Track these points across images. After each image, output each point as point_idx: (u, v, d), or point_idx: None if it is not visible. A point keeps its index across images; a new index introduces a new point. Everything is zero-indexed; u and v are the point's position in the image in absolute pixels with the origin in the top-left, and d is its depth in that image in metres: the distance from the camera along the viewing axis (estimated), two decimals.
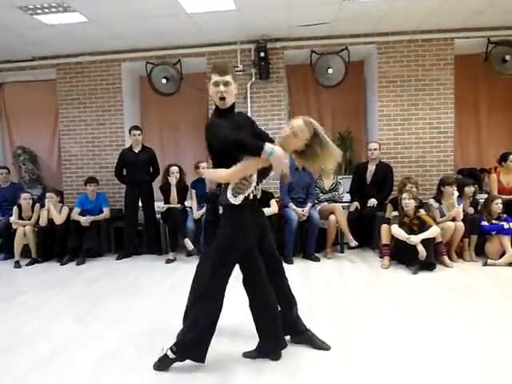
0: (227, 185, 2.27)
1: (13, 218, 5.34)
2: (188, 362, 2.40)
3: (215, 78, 2.42)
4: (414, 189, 4.76)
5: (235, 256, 2.33)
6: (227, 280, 2.34)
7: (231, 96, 2.44)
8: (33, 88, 6.78)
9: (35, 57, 6.25)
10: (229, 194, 2.25)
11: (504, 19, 5.30)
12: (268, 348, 2.45)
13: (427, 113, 5.79)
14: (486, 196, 5.17)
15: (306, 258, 4.98)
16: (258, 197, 2.35)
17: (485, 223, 4.67)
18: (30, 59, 6.27)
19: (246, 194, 2.25)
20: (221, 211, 2.32)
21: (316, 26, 5.31)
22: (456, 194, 4.63)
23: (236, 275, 2.40)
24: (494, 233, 4.60)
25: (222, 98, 2.41)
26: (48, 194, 5.32)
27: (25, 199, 5.39)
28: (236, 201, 2.24)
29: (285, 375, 2.30)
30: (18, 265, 5.10)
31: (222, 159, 2.31)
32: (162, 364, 2.37)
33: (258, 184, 2.30)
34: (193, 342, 2.33)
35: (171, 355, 2.35)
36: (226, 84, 2.41)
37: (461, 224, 4.57)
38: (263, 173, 2.30)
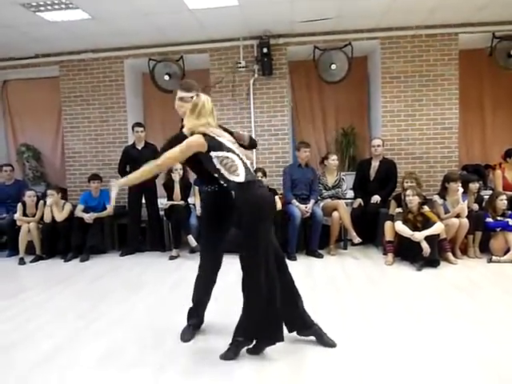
0: (224, 176, 2.36)
1: (17, 215, 5.36)
2: (191, 357, 2.40)
3: (180, 93, 2.64)
4: (411, 183, 4.73)
5: (265, 229, 2.36)
6: (270, 257, 2.37)
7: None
8: (36, 85, 6.79)
9: (38, 54, 6.26)
10: (231, 178, 2.35)
11: (509, 14, 5.25)
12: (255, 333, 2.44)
13: (431, 108, 5.75)
14: (490, 192, 5.14)
15: (310, 254, 4.97)
16: (253, 166, 2.47)
17: (489, 220, 4.64)
18: (33, 56, 6.29)
19: (243, 168, 2.37)
20: (234, 195, 2.42)
21: (319, 22, 5.28)
22: (460, 190, 4.60)
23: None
24: (498, 229, 4.57)
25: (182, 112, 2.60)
26: (49, 192, 5.33)
27: (29, 197, 5.41)
28: (240, 178, 2.34)
29: (288, 371, 2.30)
30: (22, 261, 5.12)
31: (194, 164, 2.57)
32: (231, 352, 2.43)
33: (237, 155, 2.40)
34: (266, 328, 2.39)
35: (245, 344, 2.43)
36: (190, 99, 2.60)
37: (465, 220, 4.54)
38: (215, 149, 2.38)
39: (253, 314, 2.38)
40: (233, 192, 2.43)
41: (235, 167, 2.36)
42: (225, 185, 2.42)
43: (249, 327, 2.42)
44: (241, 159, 2.41)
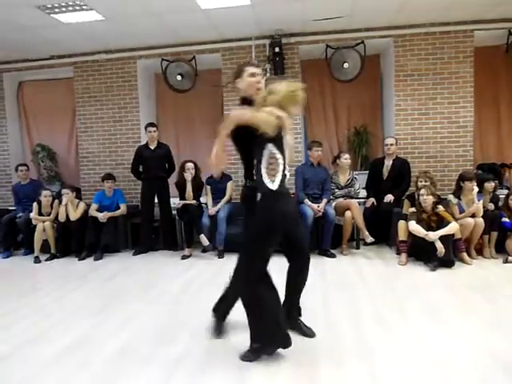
0: (261, 172, 2.28)
1: (33, 214, 5.46)
2: (204, 355, 2.41)
3: (252, 69, 2.50)
4: (425, 183, 4.68)
5: (271, 239, 2.32)
6: (265, 265, 2.36)
7: (263, 89, 2.49)
8: (50, 86, 6.89)
9: (53, 55, 6.35)
10: (266, 180, 2.27)
11: None
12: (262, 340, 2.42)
13: (445, 107, 5.67)
14: (506, 192, 5.06)
15: (322, 254, 4.95)
16: (288, 176, 2.39)
17: (505, 219, 4.57)
18: (47, 58, 6.38)
19: (280, 176, 2.28)
20: (259, 198, 2.33)
21: (331, 20, 5.25)
22: (476, 189, 4.54)
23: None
24: None
25: (259, 89, 2.47)
26: (64, 191, 5.42)
27: (45, 196, 5.50)
28: (274, 186, 2.26)
29: (302, 373, 2.29)
30: (37, 260, 5.21)
31: (244, 148, 2.43)
32: (250, 355, 2.42)
33: (282, 157, 2.31)
34: (265, 330, 2.37)
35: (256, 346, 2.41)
36: (261, 75, 2.52)
37: (480, 220, 4.47)
38: (267, 140, 2.26)
39: (253, 319, 2.39)
40: (259, 194, 2.34)
41: (275, 172, 2.27)
42: (254, 178, 2.35)
43: (255, 333, 2.40)
44: (284, 166, 2.32)
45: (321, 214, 4.90)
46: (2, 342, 2.84)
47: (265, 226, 2.28)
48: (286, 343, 2.40)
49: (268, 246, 2.33)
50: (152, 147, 5.53)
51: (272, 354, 2.42)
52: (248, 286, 2.35)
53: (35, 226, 5.39)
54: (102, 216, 5.37)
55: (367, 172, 5.67)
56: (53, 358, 2.57)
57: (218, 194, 5.40)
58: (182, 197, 5.32)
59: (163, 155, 5.56)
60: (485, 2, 4.88)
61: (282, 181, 2.30)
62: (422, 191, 4.45)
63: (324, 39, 5.78)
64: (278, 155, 2.27)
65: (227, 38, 5.89)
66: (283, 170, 2.31)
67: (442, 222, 4.31)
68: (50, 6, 4.55)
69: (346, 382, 2.18)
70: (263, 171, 2.28)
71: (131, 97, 6.34)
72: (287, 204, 2.37)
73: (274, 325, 2.36)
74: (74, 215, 5.35)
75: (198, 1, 4.55)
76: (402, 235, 4.54)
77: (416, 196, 4.62)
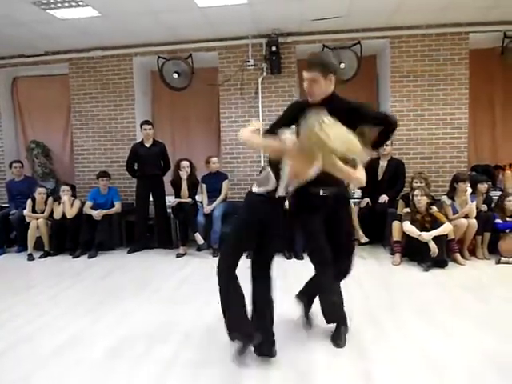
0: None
1: (26, 211, 5.42)
2: (199, 352, 2.42)
3: (304, 74, 2.42)
4: (420, 183, 4.71)
5: (246, 236, 2.41)
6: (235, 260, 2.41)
7: (319, 91, 2.44)
8: (46, 82, 6.84)
9: (48, 51, 6.30)
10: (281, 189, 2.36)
11: None
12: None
13: (441, 108, 5.70)
14: (499, 193, 5.10)
15: None
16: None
17: (498, 221, 4.61)
18: (42, 54, 6.33)
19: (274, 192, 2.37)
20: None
21: (328, 20, 5.26)
22: (469, 190, 4.57)
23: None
24: (507, 230, 4.54)
25: (309, 93, 2.45)
26: (64, 187, 5.42)
27: (39, 194, 5.47)
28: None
29: (293, 371, 2.30)
30: (31, 257, 5.18)
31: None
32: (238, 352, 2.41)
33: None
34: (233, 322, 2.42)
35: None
36: (313, 81, 2.38)
37: (474, 221, 4.51)
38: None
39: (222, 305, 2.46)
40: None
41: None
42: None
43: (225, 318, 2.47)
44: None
45: None
46: None
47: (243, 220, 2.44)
48: (250, 340, 2.37)
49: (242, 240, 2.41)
50: (147, 145, 5.51)
51: (232, 340, 2.41)
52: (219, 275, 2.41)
53: (29, 223, 5.36)
54: (97, 214, 5.35)
55: None
56: (47, 355, 2.56)
57: (213, 193, 5.41)
58: (178, 195, 5.32)
59: (158, 153, 5.54)
60: (481, 4, 4.91)
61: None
62: (417, 192, 4.48)
63: (321, 39, 5.78)
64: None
65: (224, 37, 5.87)
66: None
67: (435, 223, 4.34)
68: (45, 1, 4.51)
69: (338, 381, 2.20)
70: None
71: (127, 94, 6.31)
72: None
73: (236, 318, 2.40)
74: (70, 212, 5.33)
75: None
76: (396, 235, 4.57)
77: (410, 197, 4.65)
